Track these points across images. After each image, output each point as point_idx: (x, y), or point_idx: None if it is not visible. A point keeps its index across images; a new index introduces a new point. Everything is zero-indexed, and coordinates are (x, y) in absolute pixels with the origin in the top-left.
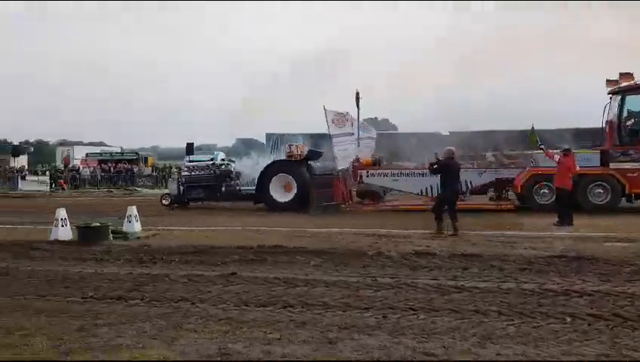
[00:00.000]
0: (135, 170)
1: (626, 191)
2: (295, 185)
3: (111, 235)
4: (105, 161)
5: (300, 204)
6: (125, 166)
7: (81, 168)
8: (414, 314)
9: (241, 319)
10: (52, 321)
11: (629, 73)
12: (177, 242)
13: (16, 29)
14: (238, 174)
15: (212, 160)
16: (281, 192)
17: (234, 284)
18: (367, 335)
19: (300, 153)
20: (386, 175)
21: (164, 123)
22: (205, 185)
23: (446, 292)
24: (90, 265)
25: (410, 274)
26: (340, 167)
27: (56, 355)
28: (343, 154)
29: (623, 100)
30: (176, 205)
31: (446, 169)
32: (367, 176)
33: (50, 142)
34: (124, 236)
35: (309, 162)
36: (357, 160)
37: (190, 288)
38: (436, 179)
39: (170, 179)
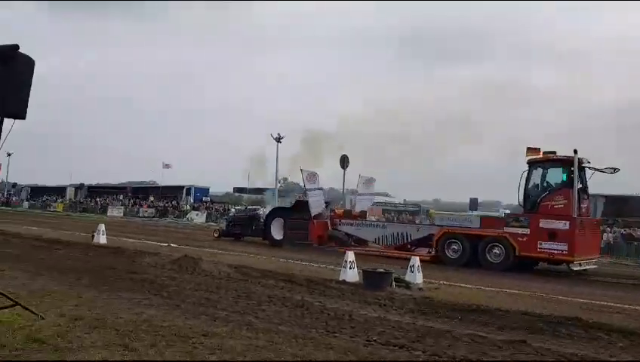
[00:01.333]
0: (416, 221)
1: (517, 253)
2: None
3: (394, 283)
4: (388, 211)
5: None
6: (407, 217)
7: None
8: None
9: None
10: (340, 358)
11: (537, 148)
12: (459, 298)
13: None
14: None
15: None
16: (278, 231)
17: (523, 353)
18: None
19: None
20: (351, 224)
21: (446, 177)
22: (241, 224)
23: None
24: (375, 310)
25: None
26: (313, 214)
27: None
28: (315, 204)
29: (530, 171)
30: (223, 237)
31: None
32: (340, 224)
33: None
34: (407, 285)
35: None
36: (333, 210)
37: (474, 348)
38: (388, 230)
39: (221, 219)
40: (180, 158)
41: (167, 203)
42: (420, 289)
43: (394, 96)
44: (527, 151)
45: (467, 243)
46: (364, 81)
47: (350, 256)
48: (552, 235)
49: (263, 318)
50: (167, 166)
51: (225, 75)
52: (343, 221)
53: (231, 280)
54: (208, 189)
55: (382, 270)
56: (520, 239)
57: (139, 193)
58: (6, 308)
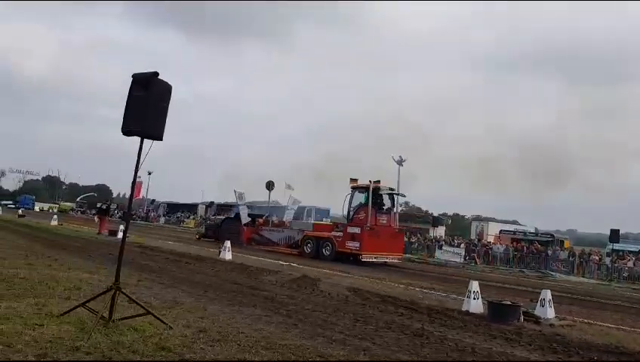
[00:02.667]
0: (549, 252)
1: (336, 249)
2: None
3: (522, 316)
4: (518, 240)
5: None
6: (539, 247)
7: (493, 244)
8: None
9: None
10: None
11: (356, 179)
12: (596, 338)
13: None
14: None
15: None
16: (224, 234)
17: None
18: None
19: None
20: (268, 230)
21: (582, 207)
22: (213, 229)
23: None
24: (500, 344)
25: None
26: (243, 222)
27: None
28: (244, 216)
29: (352, 194)
30: (203, 238)
31: None
32: (261, 230)
33: (466, 217)
34: (536, 320)
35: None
36: (258, 219)
37: None
38: (284, 234)
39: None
40: (302, 179)
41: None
42: (551, 325)
43: (518, 121)
44: (350, 181)
45: (314, 242)
46: (484, 105)
47: (474, 285)
48: (353, 237)
49: (380, 344)
50: (289, 187)
51: (347, 95)
52: (263, 228)
53: (349, 303)
54: (329, 211)
55: (509, 302)
56: (338, 240)
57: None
58: (140, 316)
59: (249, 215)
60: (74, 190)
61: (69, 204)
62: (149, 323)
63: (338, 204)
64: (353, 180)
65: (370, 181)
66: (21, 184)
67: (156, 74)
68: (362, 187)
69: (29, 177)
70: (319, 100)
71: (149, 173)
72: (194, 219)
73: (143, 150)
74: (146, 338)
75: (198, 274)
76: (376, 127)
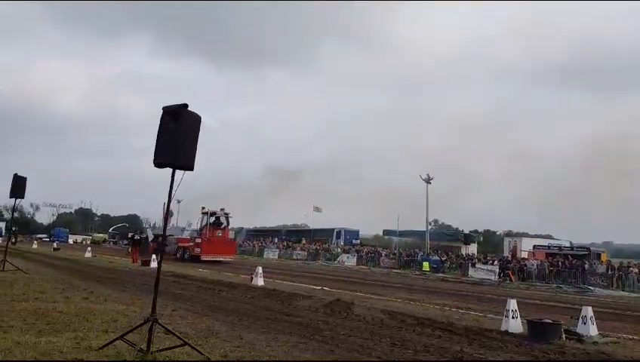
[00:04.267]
0: (586, 266)
1: (192, 254)
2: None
3: (564, 335)
4: (553, 255)
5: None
6: (575, 262)
7: (528, 260)
8: None
9: None
10: None
11: (204, 206)
12: None
13: None
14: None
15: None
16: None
17: None
18: None
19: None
20: (165, 244)
21: (618, 218)
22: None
23: None
24: None
25: None
26: (150, 240)
27: None
28: (150, 236)
29: (202, 218)
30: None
31: None
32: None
33: (497, 233)
34: (579, 338)
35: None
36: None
37: None
38: (171, 248)
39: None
40: (330, 201)
41: (318, 246)
42: (595, 342)
43: (548, 134)
44: (201, 209)
45: (181, 250)
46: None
47: (512, 304)
48: (198, 245)
49: None
50: (317, 209)
51: (378, 118)
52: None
53: (385, 327)
54: (358, 232)
55: (549, 320)
56: (191, 247)
57: (292, 236)
58: (177, 347)
59: (154, 235)
60: (106, 221)
61: (101, 235)
62: (186, 353)
63: (370, 225)
64: (203, 208)
65: (203, 207)
66: (55, 217)
67: (185, 105)
68: (205, 212)
69: (62, 210)
70: (343, 122)
71: (179, 202)
72: None
73: (175, 180)
74: None
75: (232, 301)
76: (402, 145)
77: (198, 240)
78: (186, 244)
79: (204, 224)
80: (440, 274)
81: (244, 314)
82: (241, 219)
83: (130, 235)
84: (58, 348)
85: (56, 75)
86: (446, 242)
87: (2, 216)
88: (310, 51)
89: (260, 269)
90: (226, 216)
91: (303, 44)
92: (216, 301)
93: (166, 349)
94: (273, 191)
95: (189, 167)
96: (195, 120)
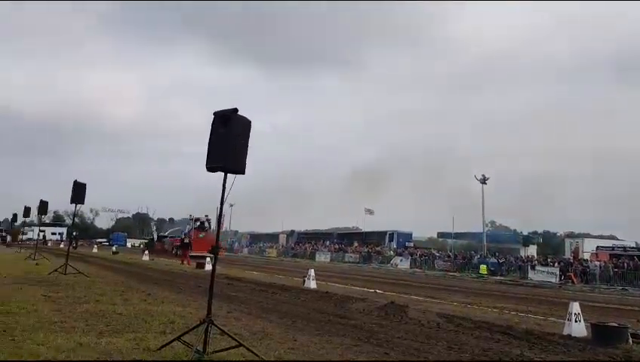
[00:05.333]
0: None
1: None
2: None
3: (631, 339)
4: (617, 256)
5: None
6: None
7: (590, 262)
8: None
9: None
10: None
11: (191, 214)
12: None
13: None
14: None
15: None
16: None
17: None
18: None
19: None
20: (163, 243)
21: None
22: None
23: None
24: None
25: None
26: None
27: None
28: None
29: (190, 222)
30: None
31: None
32: (163, 243)
33: (558, 234)
34: None
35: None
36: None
37: None
38: (169, 245)
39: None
40: (382, 203)
41: (370, 248)
42: None
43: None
44: (189, 216)
45: (176, 248)
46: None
47: (575, 307)
48: (191, 243)
49: None
50: (369, 211)
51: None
52: (163, 242)
53: (441, 330)
54: (411, 234)
55: (615, 324)
56: (191, 245)
57: (344, 239)
58: (232, 348)
59: (158, 236)
60: (161, 225)
61: None
62: (241, 355)
63: (423, 227)
64: (190, 215)
65: (190, 215)
66: (113, 222)
67: (236, 110)
68: (191, 218)
69: (120, 215)
70: (392, 124)
71: (231, 206)
72: (275, 248)
73: (226, 185)
74: None
75: (285, 303)
76: (454, 146)
77: (186, 241)
78: (178, 243)
79: (191, 228)
80: (498, 277)
81: (297, 317)
82: (290, 222)
83: (177, 239)
84: (118, 349)
85: (112, 83)
86: (504, 244)
87: (64, 221)
88: (358, 53)
89: (312, 272)
90: (209, 221)
91: (351, 45)
92: (269, 303)
93: (222, 350)
94: (324, 194)
95: (241, 170)
96: (245, 124)
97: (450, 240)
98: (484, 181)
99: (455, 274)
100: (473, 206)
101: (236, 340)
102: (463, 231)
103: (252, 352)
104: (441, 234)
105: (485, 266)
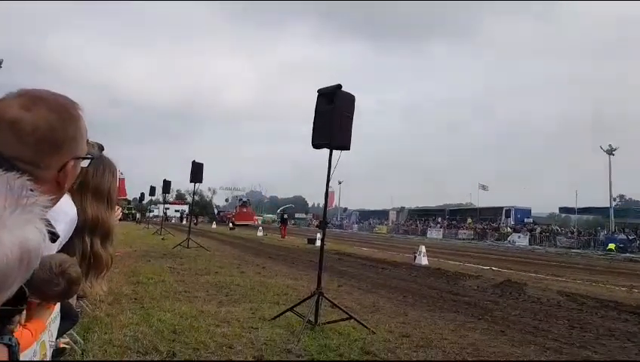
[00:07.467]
0: None
1: (232, 221)
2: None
3: None
4: None
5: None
6: None
7: None
8: None
9: None
10: None
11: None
12: None
13: None
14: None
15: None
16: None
17: None
18: None
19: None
20: (222, 216)
21: None
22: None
23: None
24: None
25: None
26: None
27: None
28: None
29: (231, 202)
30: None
31: None
32: (224, 215)
33: None
34: None
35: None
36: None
37: None
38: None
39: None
40: (497, 178)
41: (485, 225)
42: None
43: None
44: (236, 196)
45: (227, 219)
46: None
47: None
48: (233, 216)
49: (603, 353)
50: (483, 187)
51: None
52: (223, 214)
53: (562, 309)
54: (530, 210)
55: None
56: (232, 218)
57: (456, 215)
58: (342, 320)
59: (217, 211)
60: (274, 203)
61: (271, 215)
62: (352, 327)
63: (542, 203)
64: (236, 196)
65: (236, 196)
66: (229, 200)
67: (339, 86)
68: (235, 197)
69: (235, 193)
70: (511, 98)
71: (340, 183)
72: (386, 225)
73: (332, 160)
74: (351, 342)
75: (395, 279)
76: (578, 115)
77: (233, 213)
78: (229, 216)
79: (236, 204)
80: (627, 254)
81: (408, 292)
82: (400, 199)
83: (278, 213)
84: (236, 317)
85: (226, 68)
86: (634, 219)
87: (185, 199)
88: (474, 23)
89: (423, 248)
90: (248, 200)
91: (467, 15)
92: (380, 278)
93: (332, 322)
94: (431, 171)
95: (345, 146)
96: (350, 100)
97: (573, 216)
98: (611, 152)
99: (579, 251)
100: (598, 179)
101: (346, 312)
102: (587, 206)
103: (362, 324)
104: (563, 210)
105: (614, 244)
